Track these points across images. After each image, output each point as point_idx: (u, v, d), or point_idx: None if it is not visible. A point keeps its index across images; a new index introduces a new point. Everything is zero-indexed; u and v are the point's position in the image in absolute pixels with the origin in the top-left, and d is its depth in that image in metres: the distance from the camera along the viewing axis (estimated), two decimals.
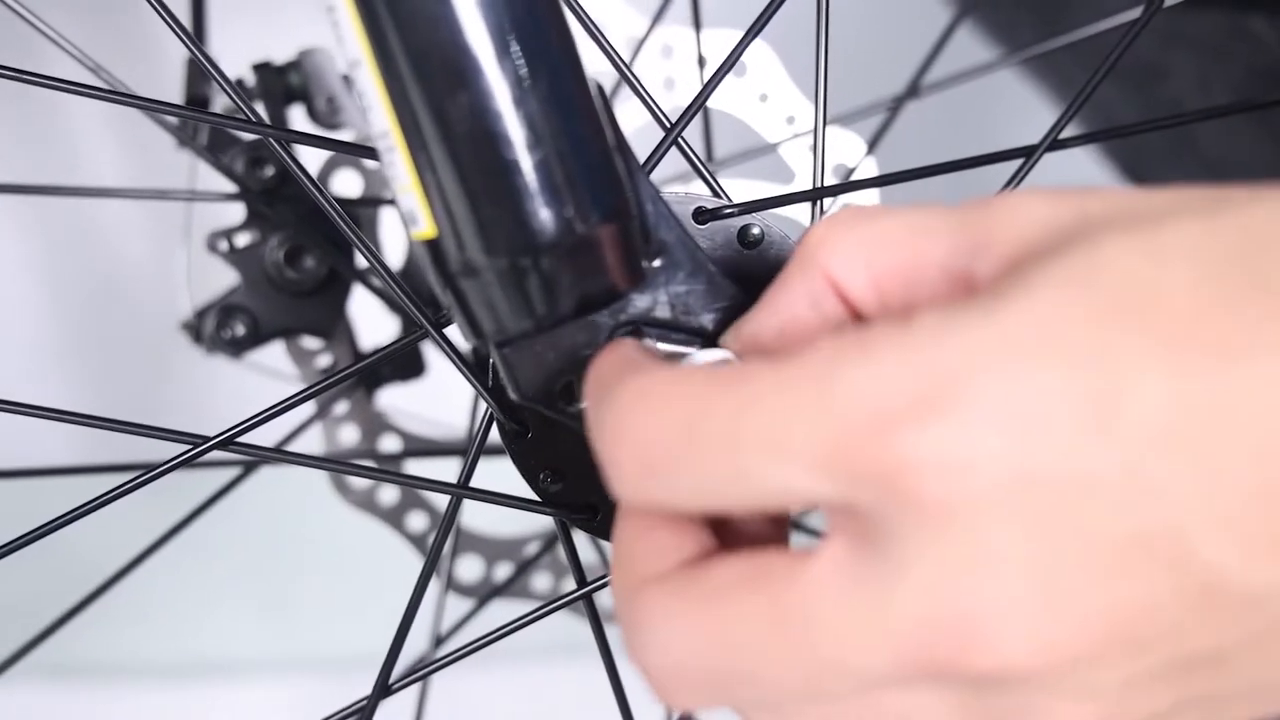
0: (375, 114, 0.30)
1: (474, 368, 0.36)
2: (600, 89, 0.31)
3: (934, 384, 0.23)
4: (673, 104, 0.49)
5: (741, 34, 0.49)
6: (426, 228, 0.30)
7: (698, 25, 0.49)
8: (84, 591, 0.53)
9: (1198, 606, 0.23)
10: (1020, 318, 0.23)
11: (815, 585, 0.25)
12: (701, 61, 0.49)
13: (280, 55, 0.50)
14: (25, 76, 0.37)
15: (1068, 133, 0.40)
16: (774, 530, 0.30)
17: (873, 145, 0.49)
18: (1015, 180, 0.39)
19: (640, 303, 0.32)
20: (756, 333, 0.30)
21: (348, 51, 0.30)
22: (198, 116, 0.45)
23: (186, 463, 0.37)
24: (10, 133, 0.80)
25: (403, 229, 0.56)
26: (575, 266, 0.30)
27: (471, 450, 0.38)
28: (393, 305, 0.53)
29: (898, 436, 0.23)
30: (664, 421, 0.26)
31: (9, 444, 0.67)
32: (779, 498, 0.25)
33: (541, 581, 0.56)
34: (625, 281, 0.31)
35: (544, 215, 0.29)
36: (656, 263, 0.33)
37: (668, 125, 0.37)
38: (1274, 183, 0.26)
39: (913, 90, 0.49)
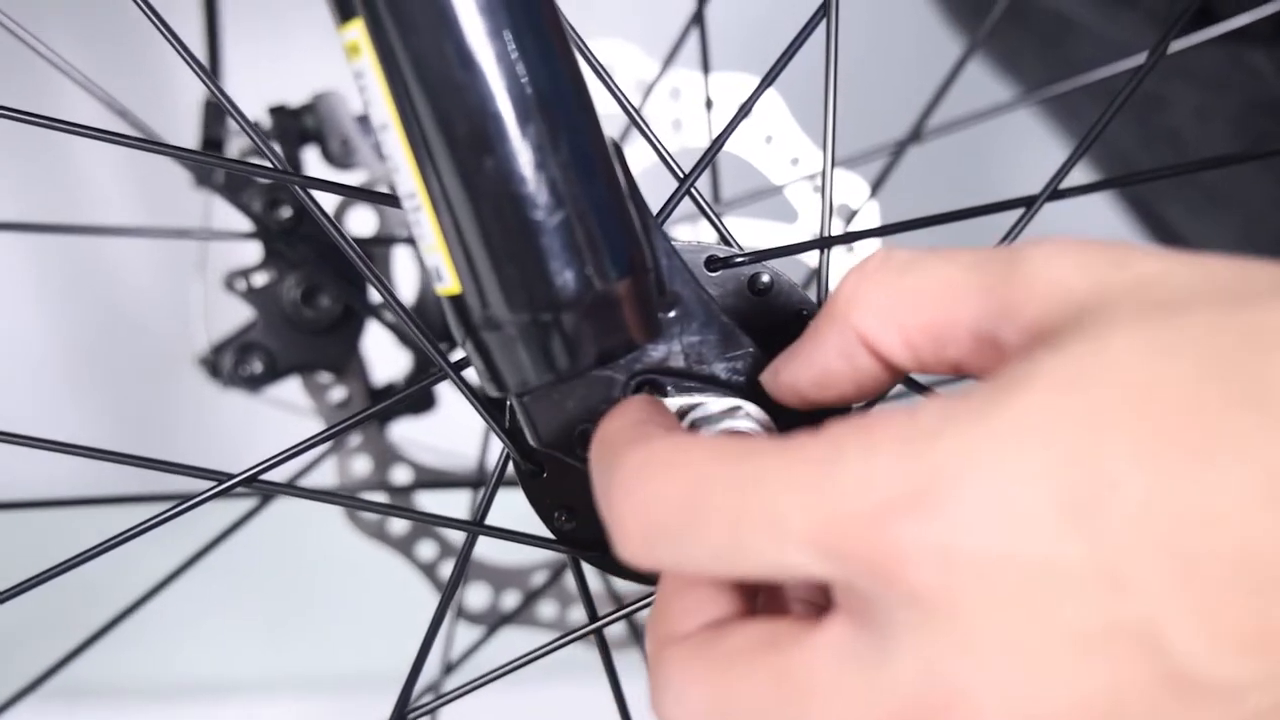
0: (402, 175, 0.31)
1: (491, 409, 0.37)
2: (617, 146, 0.33)
3: (928, 479, 0.24)
4: (680, 145, 0.51)
5: (745, 76, 0.51)
6: (451, 284, 0.31)
7: (706, 69, 0.50)
8: (90, 613, 0.54)
9: (1173, 696, 0.24)
10: (1016, 414, 0.25)
11: (816, 658, 0.26)
12: (709, 104, 0.50)
13: (294, 98, 0.52)
14: (61, 125, 0.38)
15: (1074, 170, 0.41)
16: (807, 591, 0.31)
17: (876, 188, 0.50)
18: (1015, 231, 0.40)
19: (656, 353, 0.34)
20: (794, 382, 0.32)
21: (376, 116, 0.31)
22: (231, 165, 0.46)
23: (214, 498, 0.38)
24: (25, 166, 0.81)
25: (416, 266, 0.57)
26: (594, 321, 0.31)
27: (487, 489, 0.39)
28: (406, 341, 0.54)
29: (891, 527, 0.24)
30: (668, 493, 0.27)
31: (17, 472, 0.68)
32: (778, 572, 0.26)
33: (548, 610, 0.57)
34: (642, 334, 0.32)
35: (565, 274, 0.30)
36: (671, 314, 0.34)
37: (681, 175, 0.38)
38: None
39: (915, 135, 0.50)
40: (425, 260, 0.32)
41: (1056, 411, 0.24)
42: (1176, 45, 0.44)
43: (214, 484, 0.38)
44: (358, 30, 0.30)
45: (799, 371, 0.31)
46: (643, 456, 0.28)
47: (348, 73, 0.31)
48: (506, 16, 0.29)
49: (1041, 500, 0.24)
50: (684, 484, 0.27)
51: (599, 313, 0.31)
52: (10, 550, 0.80)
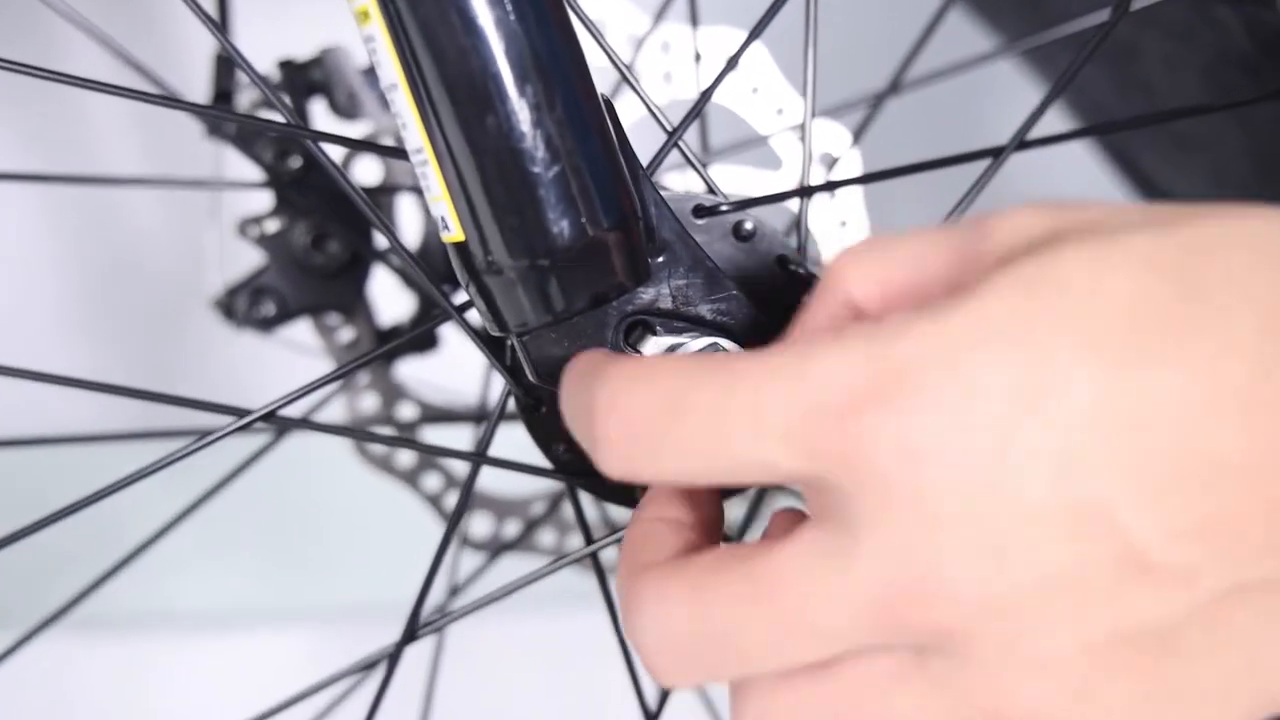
0: (410, 132, 0.33)
1: (492, 348, 0.40)
2: (609, 103, 0.35)
3: (893, 372, 0.27)
4: (670, 96, 0.53)
5: (734, 30, 0.53)
6: (455, 232, 0.34)
7: (695, 23, 0.52)
8: (94, 547, 0.56)
9: (1127, 576, 0.26)
10: (974, 315, 0.27)
11: (789, 561, 0.28)
12: (698, 57, 0.52)
13: (301, 52, 0.54)
14: (80, 81, 0.40)
15: (1047, 121, 0.44)
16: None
17: (858, 136, 0.53)
18: (983, 181, 0.42)
19: (645, 295, 0.36)
20: None
21: (384, 77, 0.33)
22: (246, 120, 0.49)
23: (236, 433, 0.41)
24: (37, 112, 0.83)
25: (420, 212, 0.59)
26: (588, 266, 0.34)
27: (490, 423, 0.42)
28: (411, 283, 0.56)
29: (859, 418, 0.27)
30: (650, 398, 0.29)
31: (20, 410, 0.70)
32: (756, 470, 0.28)
33: (547, 537, 0.60)
34: (632, 278, 0.35)
35: (562, 223, 0.33)
36: (660, 259, 0.36)
37: (669, 128, 0.41)
38: (1236, 197, 0.29)
39: (893, 86, 0.53)
40: (431, 210, 0.34)
41: (1012, 313, 0.26)
42: (1140, 2, 0.47)
43: (233, 419, 0.41)
44: None
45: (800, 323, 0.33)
46: (627, 370, 0.30)
47: (352, 28, 0.33)
48: None
49: (999, 390, 0.26)
50: (666, 388, 0.29)
51: (592, 258, 0.34)
52: (18, 486, 0.83)
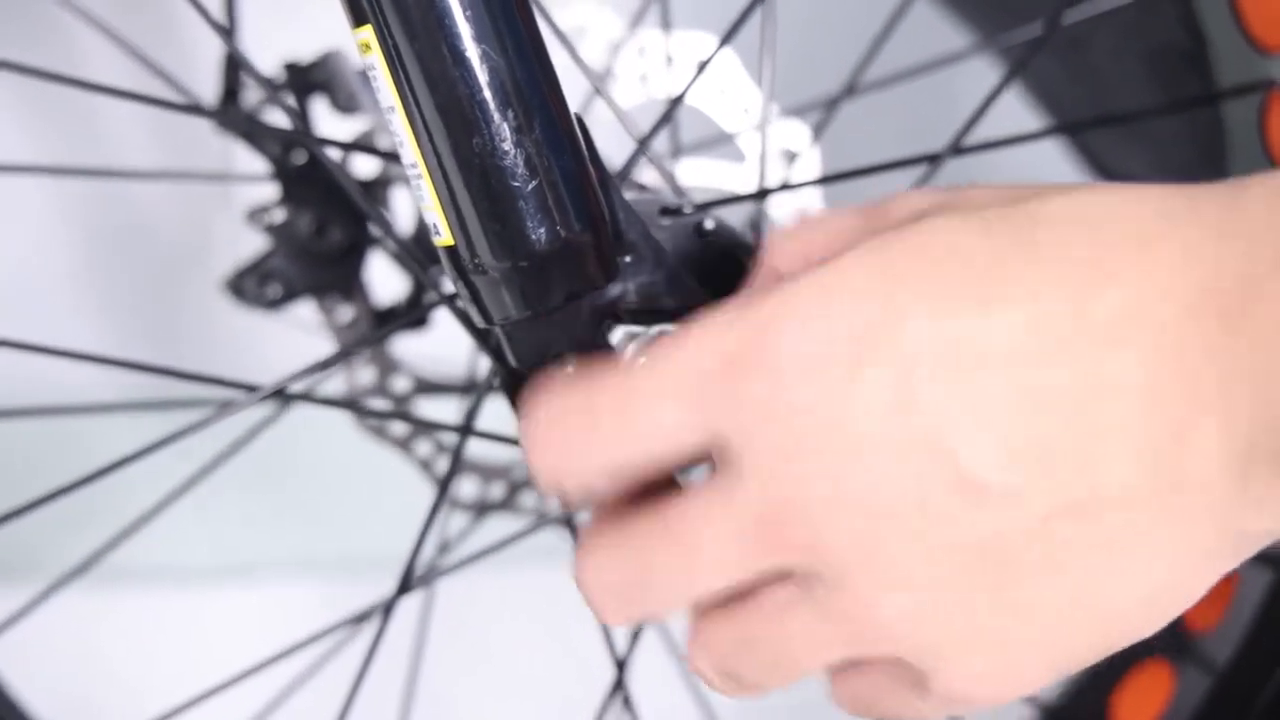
0: (405, 149, 0.38)
1: (478, 332, 0.44)
2: (580, 120, 0.40)
3: (753, 332, 0.31)
4: (646, 97, 0.58)
5: (705, 34, 0.58)
6: (445, 237, 0.38)
7: (667, 28, 0.56)
8: (108, 502, 0.60)
9: (961, 497, 0.30)
10: (830, 274, 0.31)
11: (688, 503, 0.33)
12: (669, 61, 0.57)
13: (304, 53, 0.58)
14: (97, 87, 0.45)
15: (1010, 114, 0.48)
16: None
17: (818, 133, 0.57)
18: (923, 183, 0.47)
19: (613, 291, 0.41)
20: None
21: (383, 100, 0.38)
22: (261, 129, 0.53)
23: (247, 406, 0.45)
24: (54, 96, 0.86)
25: (414, 202, 0.63)
26: (562, 267, 0.38)
27: (476, 399, 0.47)
28: (406, 267, 0.61)
29: (733, 375, 0.31)
30: (567, 403, 0.34)
31: (37, 376, 0.74)
32: (665, 442, 0.32)
33: (530, 499, 0.65)
34: (601, 277, 0.39)
35: (539, 230, 0.37)
36: (627, 259, 0.41)
37: (637, 137, 0.45)
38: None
39: (850, 89, 0.57)
40: (424, 217, 0.39)
41: (865, 270, 0.31)
42: (1074, 16, 0.51)
43: (249, 393, 0.45)
44: (368, 33, 0.37)
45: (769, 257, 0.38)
46: (545, 389, 0.35)
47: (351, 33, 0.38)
48: (489, 24, 0.36)
49: (842, 334, 0.30)
50: (580, 392, 0.34)
51: (566, 260, 0.38)
52: (35, 448, 0.87)
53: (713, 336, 0.32)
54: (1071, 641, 0.32)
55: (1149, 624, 0.32)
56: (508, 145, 0.37)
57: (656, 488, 0.35)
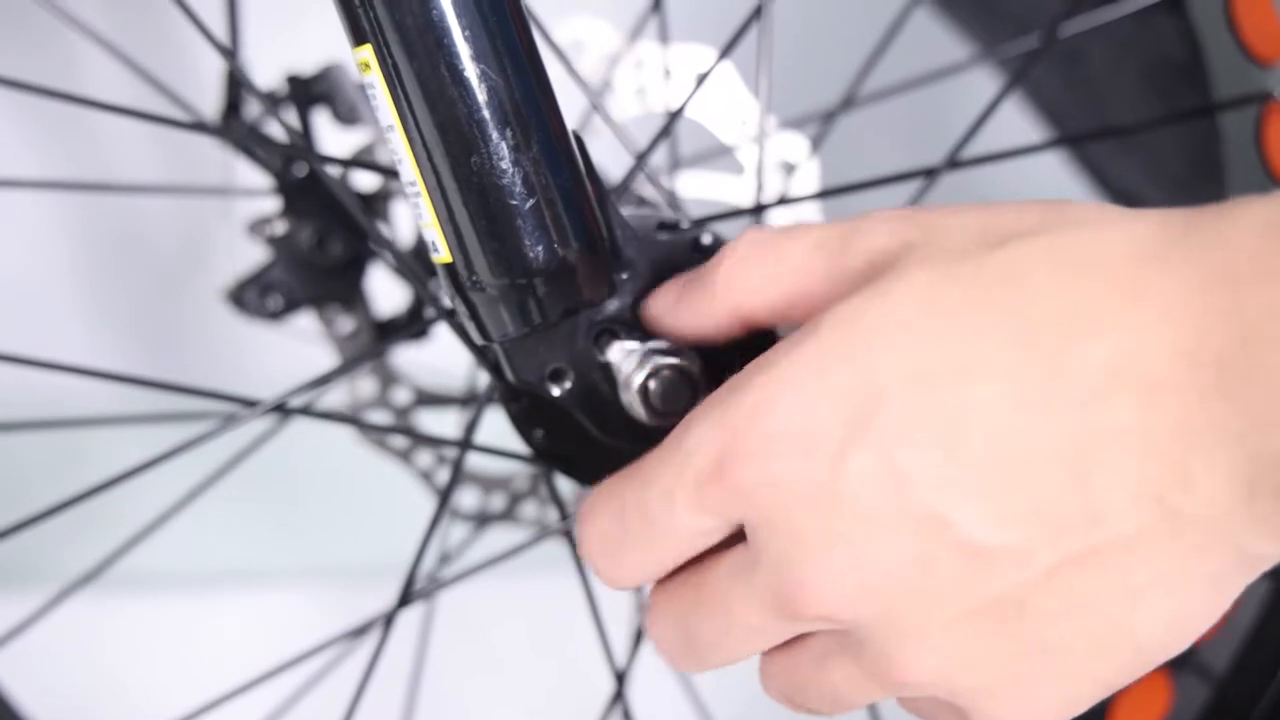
0: (404, 168, 0.38)
1: (478, 346, 0.44)
2: (578, 138, 0.40)
3: (739, 429, 0.32)
4: (644, 109, 0.58)
5: (702, 47, 0.58)
6: (444, 254, 0.39)
7: (665, 41, 0.57)
8: (106, 509, 0.60)
9: (966, 562, 0.31)
10: (807, 355, 0.32)
11: (718, 568, 0.35)
12: (667, 73, 0.57)
13: (305, 68, 0.58)
14: (99, 105, 0.45)
15: (1011, 125, 0.48)
16: None
17: (816, 145, 0.57)
18: (918, 199, 0.47)
19: (611, 308, 0.41)
20: (670, 330, 0.39)
21: (382, 119, 0.38)
22: (261, 147, 0.53)
23: (248, 421, 0.45)
24: (51, 113, 0.86)
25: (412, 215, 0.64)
26: (560, 285, 0.39)
27: (476, 413, 0.47)
28: (406, 281, 0.61)
29: (729, 473, 0.33)
30: (602, 516, 0.36)
31: (33, 387, 0.74)
32: (690, 537, 0.35)
33: (529, 509, 0.66)
34: (598, 294, 0.40)
35: (537, 248, 0.38)
36: (624, 275, 0.41)
37: (634, 153, 0.45)
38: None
39: (847, 102, 0.57)
40: (423, 235, 0.39)
41: (832, 348, 0.32)
42: (1071, 29, 0.51)
43: (250, 407, 0.45)
44: (368, 52, 0.37)
45: (676, 325, 0.39)
46: (587, 502, 0.37)
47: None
48: (488, 43, 0.36)
49: (827, 419, 0.31)
50: (609, 505, 0.36)
51: (563, 278, 0.38)
52: (35, 457, 0.87)
53: (703, 436, 0.33)
54: (1102, 672, 0.33)
55: (1174, 647, 0.33)
56: (506, 164, 0.37)
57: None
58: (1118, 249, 0.30)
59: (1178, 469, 0.29)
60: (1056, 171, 0.82)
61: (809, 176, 0.57)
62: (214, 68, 0.60)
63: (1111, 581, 0.31)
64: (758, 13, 0.48)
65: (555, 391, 0.41)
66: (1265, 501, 0.29)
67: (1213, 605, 0.32)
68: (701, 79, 0.49)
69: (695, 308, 0.38)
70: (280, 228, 0.57)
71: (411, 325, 0.57)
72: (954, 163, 0.48)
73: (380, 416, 0.63)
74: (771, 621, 0.34)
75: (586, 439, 0.42)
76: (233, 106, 0.57)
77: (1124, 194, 0.79)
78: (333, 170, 0.57)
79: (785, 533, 0.32)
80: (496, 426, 0.48)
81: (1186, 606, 0.32)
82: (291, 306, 0.59)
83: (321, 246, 0.58)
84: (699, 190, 0.58)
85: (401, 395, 0.62)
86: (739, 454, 0.32)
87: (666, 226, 0.44)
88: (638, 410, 0.40)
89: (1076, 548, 0.30)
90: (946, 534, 0.31)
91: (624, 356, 0.40)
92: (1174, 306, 0.29)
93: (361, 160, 0.44)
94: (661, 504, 0.34)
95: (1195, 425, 0.29)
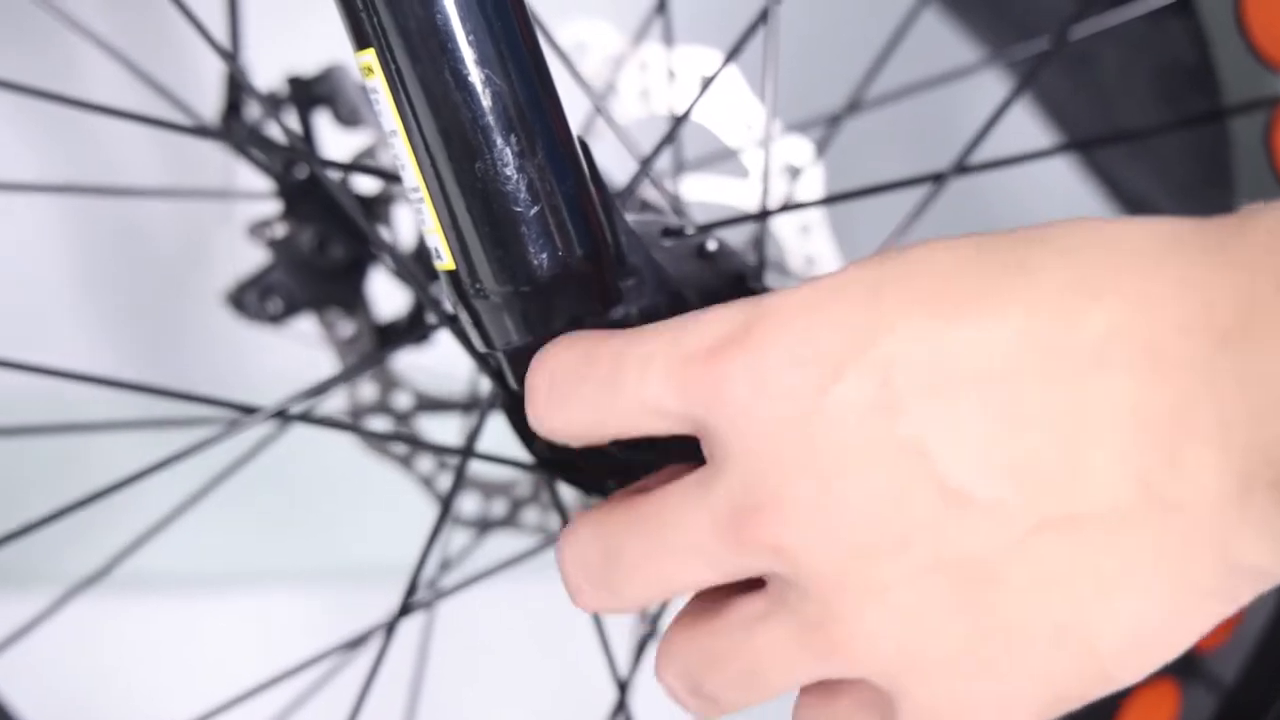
0: (407, 173, 0.38)
1: (480, 353, 0.44)
2: (583, 143, 0.39)
3: (749, 323, 0.31)
4: (648, 112, 0.57)
5: (707, 50, 0.57)
6: (447, 261, 0.38)
7: (669, 43, 0.56)
8: (104, 511, 0.60)
9: (945, 509, 0.29)
10: (823, 285, 0.31)
11: (668, 491, 0.33)
12: (672, 75, 0.57)
13: (306, 69, 0.58)
14: (99, 108, 0.45)
15: (1020, 130, 0.48)
16: None
17: (821, 150, 0.57)
18: (925, 203, 0.47)
19: (615, 315, 0.40)
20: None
21: (384, 124, 0.37)
22: (260, 148, 0.53)
23: (249, 427, 0.45)
24: (49, 118, 0.86)
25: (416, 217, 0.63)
26: (564, 292, 0.38)
27: (478, 419, 0.47)
28: (408, 285, 0.61)
29: (720, 359, 0.31)
30: (570, 352, 0.35)
31: (33, 391, 0.74)
32: (648, 413, 0.33)
33: (531, 516, 0.65)
34: (603, 301, 0.39)
35: (541, 255, 0.37)
36: (629, 282, 0.41)
37: (639, 158, 0.45)
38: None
39: (852, 105, 0.57)
40: (426, 241, 0.39)
41: (852, 281, 0.31)
42: (1083, 29, 0.51)
43: (252, 414, 0.45)
44: (371, 56, 0.36)
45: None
46: (557, 340, 0.36)
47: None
48: (492, 47, 0.36)
49: (831, 338, 0.30)
50: (583, 346, 0.35)
51: (568, 285, 0.38)
52: (27, 464, 0.87)
53: (706, 322, 0.32)
54: (1056, 675, 0.31)
55: (1139, 665, 0.31)
56: (510, 170, 0.37)
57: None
58: (1133, 230, 0.30)
59: (1169, 450, 0.29)
60: (1066, 177, 0.82)
61: (814, 181, 0.56)
62: (214, 69, 0.60)
63: (1084, 560, 0.30)
64: (764, 15, 0.47)
65: None
66: (1259, 499, 0.28)
67: (1187, 621, 0.30)
68: (707, 82, 0.49)
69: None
70: (281, 230, 0.57)
71: (413, 330, 0.56)
72: (962, 168, 0.47)
73: (381, 422, 0.62)
74: (715, 544, 0.31)
75: (589, 446, 0.42)
76: (233, 108, 0.56)
77: (1133, 199, 0.78)
78: (334, 173, 0.57)
79: (756, 446, 0.31)
80: (498, 432, 0.48)
81: (1160, 613, 0.30)
82: (292, 310, 0.59)
83: (322, 250, 0.57)
84: (703, 194, 0.58)
85: (403, 400, 0.62)
86: (739, 346, 0.31)
87: (671, 232, 0.43)
88: None
89: (1056, 512, 0.29)
90: (928, 474, 0.30)
91: None
92: (1186, 281, 0.29)
93: (363, 163, 0.43)
94: (637, 364, 0.33)
95: (1195, 403, 0.28)
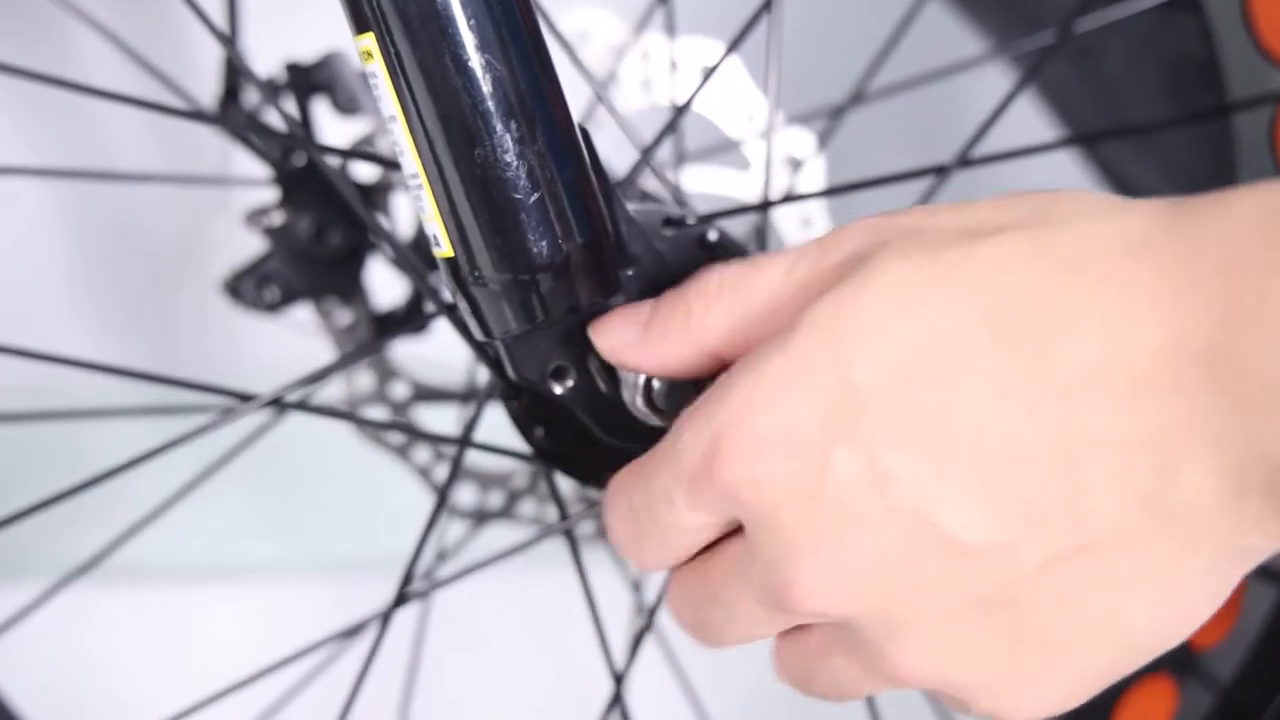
0: (406, 159, 0.37)
1: (479, 342, 0.44)
2: (584, 131, 0.39)
3: (722, 430, 0.32)
4: (649, 102, 0.57)
5: (709, 40, 0.57)
6: (446, 248, 0.38)
7: (671, 33, 0.56)
8: (100, 500, 0.60)
9: (954, 559, 0.31)
10: (785, 359, 0.32)
11: (717, 565, 0.35)
12: (674, 66, 0.56)
13: (305, 55, 0.58)
14: (94, 91, 0.44)
15: (1024, 123, 0.47)
16: None
17: (823, 141, 0.57)
18: (928, 196, 0.47)
19: (615, 304, 0.40)
20: (630, 362, 0.38)
21: (384, 109, 0.37)
22: (262, 134, 0.52)
23: (244, 415, 0.45)
24: (45, 105, 0.86)
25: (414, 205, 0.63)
26: (564, 281, 0.38)
27: (476, 410, 0.46)
28: (406, 274, 0.61)
29: (716, 471, 0.32)
30: (617, 512, 0.37)
31: (28, 378, 0.73)
32: (692, 531, 0.35)
33: (528, 507, 0.65)
34: (603, 290, 0.39)
35: (541, 243, 0.37)
36: (629, 271, 0.40)
37: (640, 147, 0.44)
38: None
39: (857, 96, 0.56)
40: (425, 228, 0.38)
41: (811, 351, 0.31)
42: (1086, 25, 0.51)
43: (247, 401, 0.45)
44: (370, 40, 0.36)
45: (639, 362, 0.38)
46: (605, 501, 0.38)
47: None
48: (493, 32, 0.36)
49: (809, 423, 0.31)
50: (621, 503, 0.37)
51: (567, 274, 0.38)
52: (21, 452, 0.87)
53: (692, 437, 0.33)
54: (1098, 664, 0.32)
55: (1171, 637, 0.32)
56: (510, 156, 0.36)
57: None
58: (1104, 242, 0.29)
59: (1164, 468, 0.29)
60: (1069, 170, 0.81)
61: (816, 173, 0.56)
62: (213, 56, 0.59)
63: (1101, 576, 0.30)
64: (767, 6, 0.47)
65: (557, 390, 0.40)
66: (1255, 499, 0.28)
67: (1209, 596, 0.32)
68: (708, 73, 0.48)
69: (663, 348, 0.37)
70: (278, 218, 0.56)
71: (410, 319, 0.56)
72: (966, 160, 0.47)
73: (378, 411, 0.62)
74: (771, 615, 0.34)
75: (587, 438, 0.42)
76: (231, 94, 0.56)
77: (1138, 194, 0.78)
78: (332, 160, 0.56)
79: (774, 532, 0.32)
80: (496, 423, 0.47)
81: (1179, 598, 0.31)
82: (289, 298, 0.58)
83: (320, 238, 0.57)
84: (704, 185, 0.58)
85: (400, 390, 0.61)
86: (725, 454, 0.32)
87: (672, 222, 0.43)
88: (640, 410, 0.39)
89: (1063, 545, 0.30)
90: (932, 533, 0.31)
91: None
92: (1161, 299, 0.28)
93: (361, 150, 0.43)
94: (663, 502, 0.35)
95: (1182, 422, 0.28)
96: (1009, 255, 0.30)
